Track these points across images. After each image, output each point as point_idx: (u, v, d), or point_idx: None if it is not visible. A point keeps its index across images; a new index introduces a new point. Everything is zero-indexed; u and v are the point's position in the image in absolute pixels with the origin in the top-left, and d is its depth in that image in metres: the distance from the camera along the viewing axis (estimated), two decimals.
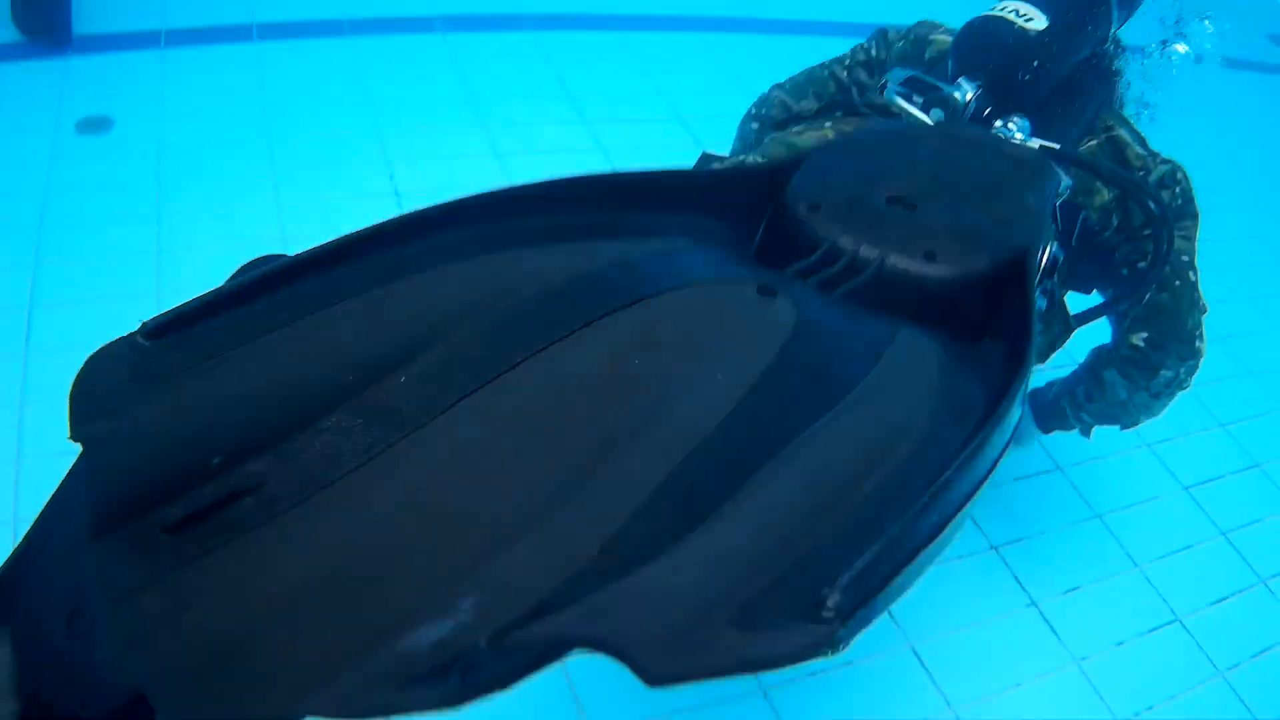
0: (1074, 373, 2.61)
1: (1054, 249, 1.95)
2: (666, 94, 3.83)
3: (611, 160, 3.38)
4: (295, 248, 1.07)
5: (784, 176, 1.23)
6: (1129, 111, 2.56)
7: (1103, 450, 2.85)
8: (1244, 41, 5.73)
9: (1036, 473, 2.76)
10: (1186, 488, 2.86)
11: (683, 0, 4.54)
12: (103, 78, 3.34)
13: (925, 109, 2.07)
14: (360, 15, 3.92)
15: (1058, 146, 2.06)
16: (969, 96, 2.06)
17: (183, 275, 2.65)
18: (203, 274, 2.56)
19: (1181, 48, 2.81)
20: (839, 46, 2.56)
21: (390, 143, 3.27)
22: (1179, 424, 2.91)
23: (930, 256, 1.23)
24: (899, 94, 2.10)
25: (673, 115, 3.72)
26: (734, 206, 1.26)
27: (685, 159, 3.33)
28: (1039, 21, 2.12)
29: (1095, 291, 2.39)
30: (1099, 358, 2.50)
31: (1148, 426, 2.61)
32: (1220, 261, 2.48)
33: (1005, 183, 1.21)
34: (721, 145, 3.42)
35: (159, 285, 2.61)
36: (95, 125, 3.11)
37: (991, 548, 2.51)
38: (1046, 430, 2.69)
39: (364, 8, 3.96)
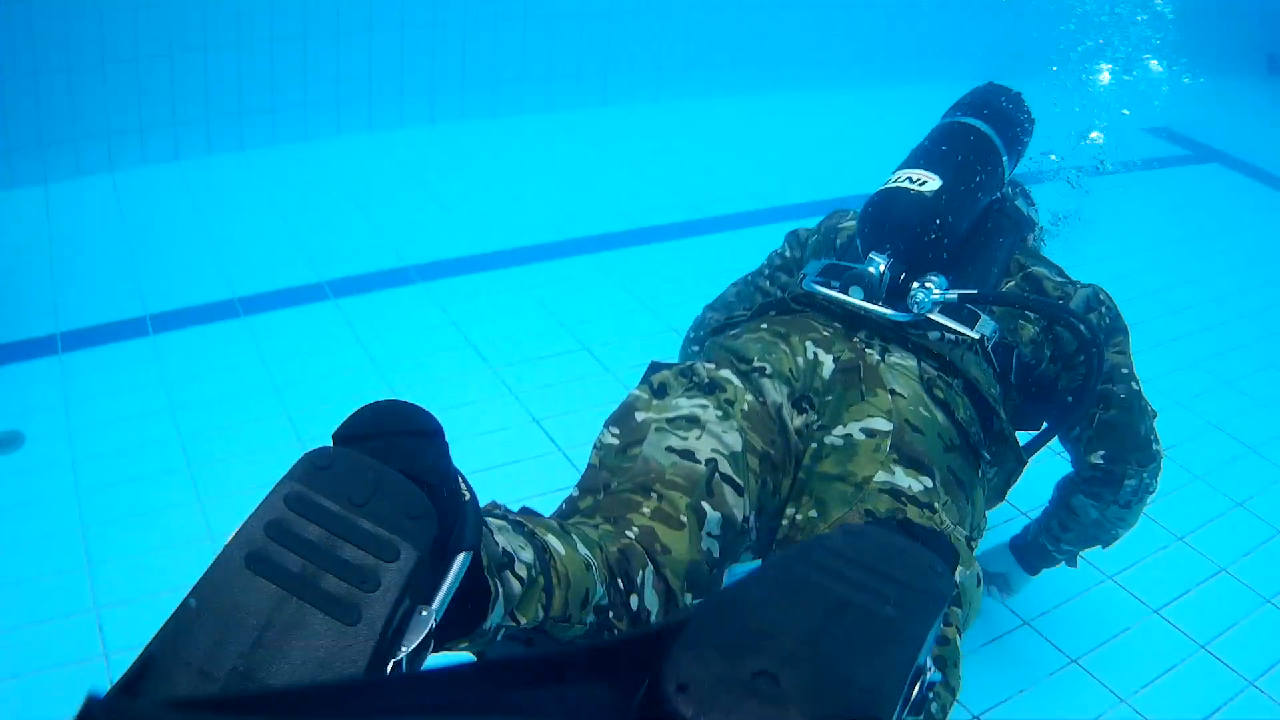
0: (1045, 509, 2.68)
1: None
2: (568, 324, 3.93)
3: (523, 403, 3.45)
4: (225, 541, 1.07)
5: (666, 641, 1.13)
6: (1045, 221, 2.75)
7: (1066, 594, 2.94)
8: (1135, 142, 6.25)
9: (1004, 632, 2.81)
10: (1156, 610, 2.94)
11: (567, 224, 4.72)
12: (4, 392, 3.32)
13: (844, 290, 2.18)
14: (250, 292, 3.98)
15: (975, 291, 2.17)
16: (881, 268, 2.17)
17: (117, 589, 2.61)
18: (139, 583, 2.56)
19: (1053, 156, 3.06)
20: (724, 241, 2.72)
21: (300, 420, 3.29)
22: (1136, 549, 3.03)
23: None
24: (817, 283, 2.23)
25: (578, 345, 3.81)
26: (618, 672, 1.16)
27: (598, 388, 3.53)
28: (934, 183, 2.25)
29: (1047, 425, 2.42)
30: (1064, 487, 2.56)
31: (1106, 557, 2.78)
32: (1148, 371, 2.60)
33: (880, 632, 1.08)
34: (631, 368, 3.55)
35: (95, 604, 2.57)
36: (4, 443, 3.08)
37: (973, 718, 2.53)
38: (1034, 571, 2.75)
39: (252, 283, 4.03)
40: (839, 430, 1.97)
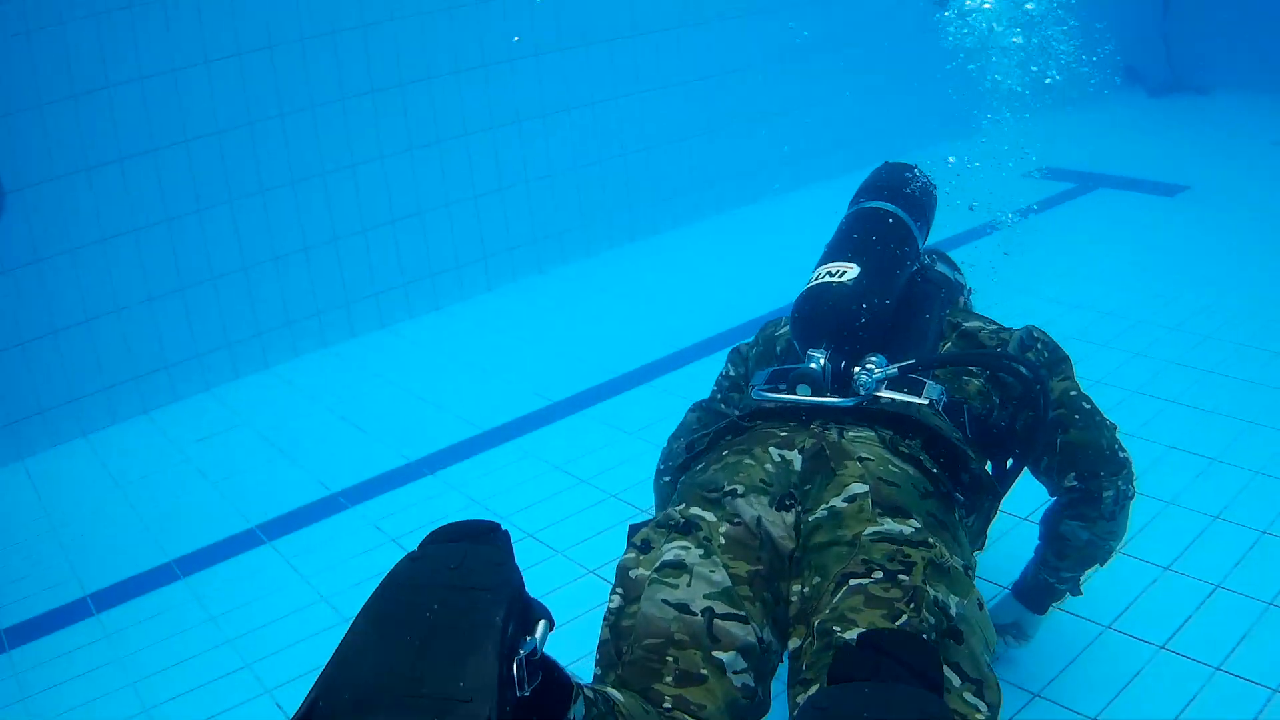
0: (1036, 547, 2.77)
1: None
2: (503, 516, 3.93)
3: (572, 559, 3.52)
4: None
5: None
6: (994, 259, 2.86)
7: (1068, 654, 2.94)
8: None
9: (1017, 710, 2.78)
10: (1162, 645, 2.94)
11: (546, 388, 4.84)
12: None
13: (791, 390, 2.32)
14: (184, 550, 3.99)
15: (914, 361, 2.34)
16: (822, 362, 2.33)
17: None
18: None
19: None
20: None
21: (263, 670, 3.27)
22: (1127, 590, 3.13)
23: None
24: (766, 390, 2.37)
25: (522, 534, 3.81)
26: None
27: (550, 573, 3.56)
28: (852, 271, 2.42)
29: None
30: (1049, 519, 2.66)
31: (1099, 606, 2.88)
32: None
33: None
34: (580, 548, 3.62)
35: None
36: None
37: None
38: (1043, 610, 2.81)
39: (184, 542, 4.03)
40: (822, 508, 2.08)
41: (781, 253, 6.08)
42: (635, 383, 4.92)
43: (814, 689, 1.78)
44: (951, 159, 4.01)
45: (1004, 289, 3.27)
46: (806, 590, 2.00)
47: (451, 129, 5.91)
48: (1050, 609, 2.85)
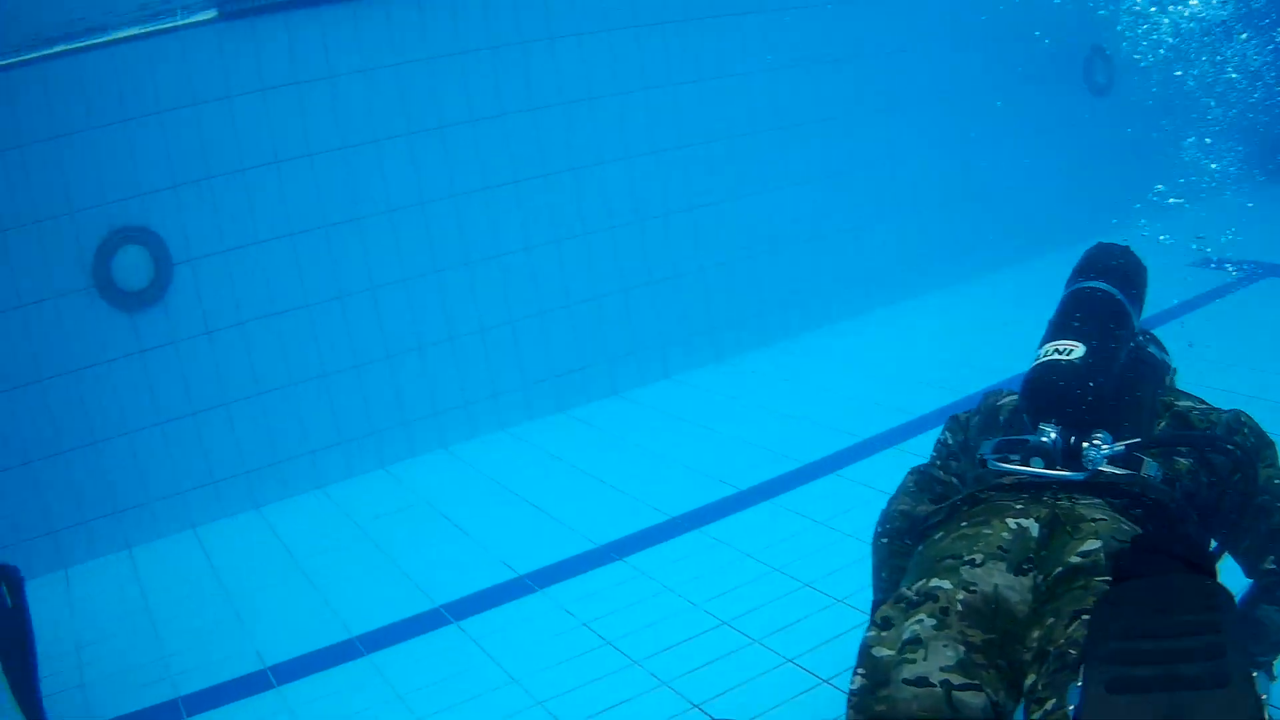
0: None
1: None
2: (625, 648, 3.59)
3: (682, 693, 3.27)
4: None
5: None
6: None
7: None
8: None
9: None
10: None
11: (660, 505, 4.56)
12: None
13: (1025, 462, 2.43)
14: (280, 658, 3.80)
15: (1139, 440, 2.43)
16: (1053, 436, 2.43)
17: None
18: None
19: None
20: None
21: None
22: None
23: None
24: (1000, 461, 2.47)
25: (655, 684, 3.40)
26: None
27: (746, 662, 3.35)
28: (1079, 349, 2.54)
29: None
30: (1245, 603, 2.57)
31: None
32: None
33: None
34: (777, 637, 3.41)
35: None
36: None
37: None
38: None
39: (279, 650, 3.86)
40: (1058, 568, 2.17)
41: (955, 343, 5.96)
42: (822, 472, 4.69)
43: (1050, 704, 1.91)
44: (1163, 237, 3.83)
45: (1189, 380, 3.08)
46: (1041, 633, 2.09)
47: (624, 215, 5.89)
48: None
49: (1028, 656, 2.09)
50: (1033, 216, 7.32)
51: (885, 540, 2.82)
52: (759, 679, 3.27)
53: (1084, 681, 1.64)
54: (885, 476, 3.63)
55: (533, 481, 4.96)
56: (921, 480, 2.92)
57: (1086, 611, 2.00)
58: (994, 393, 2.91)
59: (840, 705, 2.90)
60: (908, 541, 2.65)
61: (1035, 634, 2.11)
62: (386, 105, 5.12)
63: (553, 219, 5.66)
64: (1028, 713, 2.01)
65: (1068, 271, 2.80)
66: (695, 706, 3.19)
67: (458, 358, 5.43)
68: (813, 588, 3.74)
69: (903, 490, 2.92)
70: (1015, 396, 2.76)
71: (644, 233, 5.94)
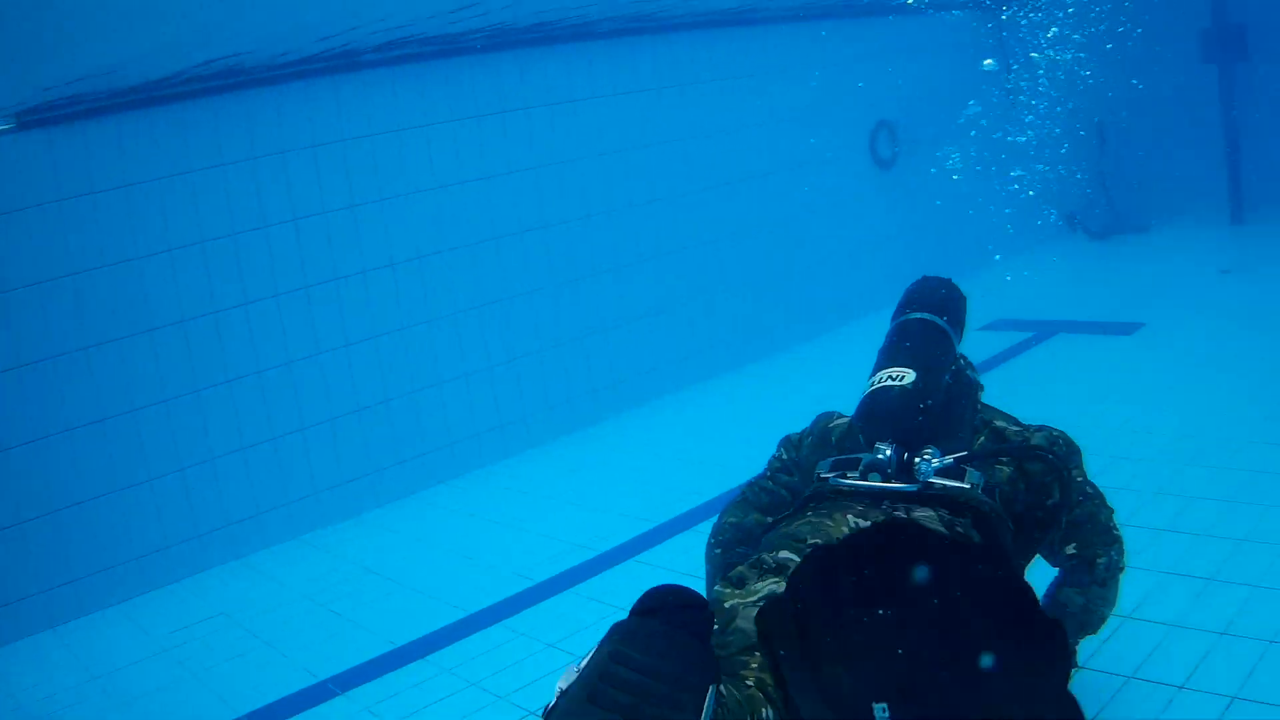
0: None
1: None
2: (502, 695, 3.84)
3: None
4: None
5: None
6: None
7: None
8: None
9: None
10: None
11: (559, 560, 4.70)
12: None
13: (864, 477, 2.66)
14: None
15: (966, 453, 2.72)
16: (888, 453, 2.67)
17: None
18: None
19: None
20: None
21: None
22: None
23: None
24: (841, 477, 2.70)
25: (524, 712, 3.71)
26: None
27: None
28: (910, 375, 2.82)
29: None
30: (1049, 591, 3.02)
31: None
32: None
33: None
34: None
35: None
36: None
37: None
38: None
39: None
40: None
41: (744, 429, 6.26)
42: (622, 558, 4.91)
43: None
44: None
45: None
46: None
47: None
48: None
49: None
50: (822, 292, 7.95)
51: (719, 551, 3.05)
52: None
53: None
54: (685, 557, 3.86)
55: (329, 587, 5.02)
56: (751, 493, 3.16)
57: None
58: (826, 414, 3.16)
59: None
60: (740, 550, 2.88)
61: None
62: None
63: (344, 324, 5.81)
64: None
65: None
66: None
67: (249, 467, 5.46)
68: None
69: (733, 503, 3.18)
70: (845, 419, 3.03)
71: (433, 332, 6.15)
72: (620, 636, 1.79)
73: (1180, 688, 3.28)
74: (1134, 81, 9.52)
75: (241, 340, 5.43)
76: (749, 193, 7.66)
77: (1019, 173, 9.16)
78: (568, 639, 4.21)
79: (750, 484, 3.19)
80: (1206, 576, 3.91)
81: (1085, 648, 3.41)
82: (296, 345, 5.62)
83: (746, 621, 2.24)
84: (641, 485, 5.79)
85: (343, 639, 4.49)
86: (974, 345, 3.25)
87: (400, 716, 3.83)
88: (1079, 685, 3.21)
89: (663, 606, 1.87)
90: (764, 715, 2.07)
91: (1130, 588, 3.66)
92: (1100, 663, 3.46)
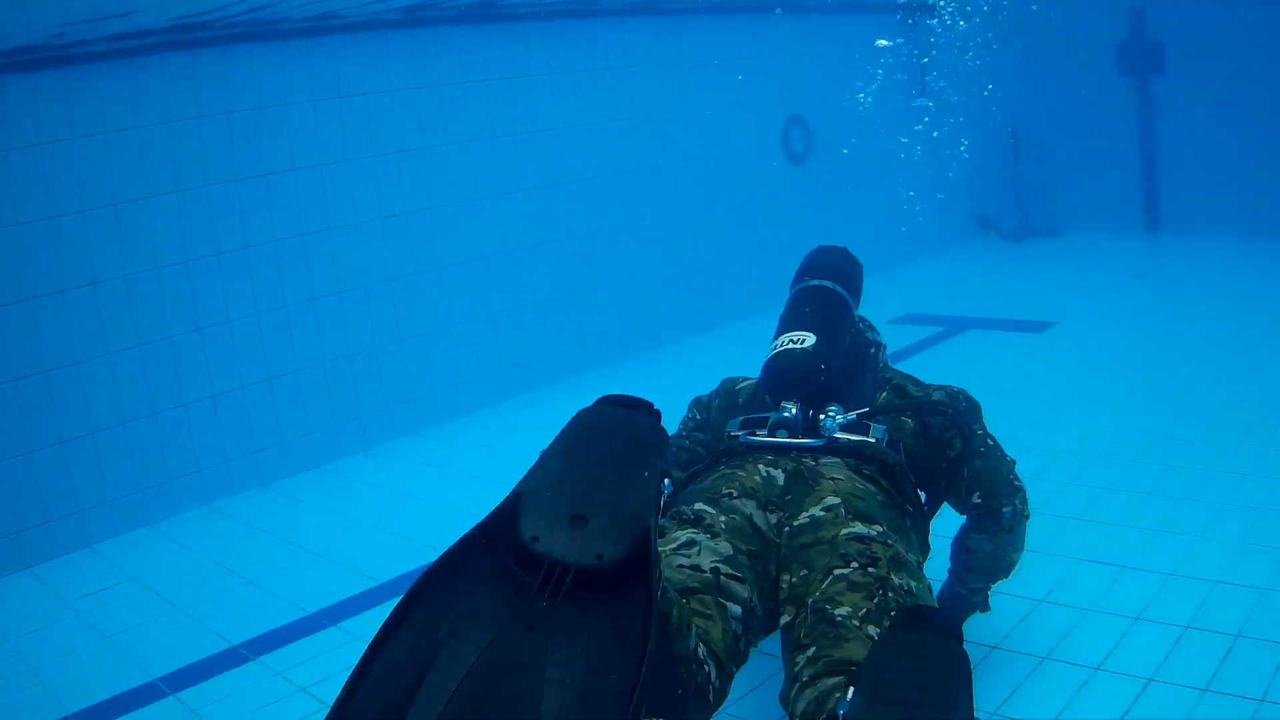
0: (949, 568, 3.33)
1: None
2: None
3: None
4: None
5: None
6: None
7: None
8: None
9: None
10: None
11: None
12: None
13: (772, 434, 2.91)
14: (80, 705, 3.89)
15: (868, 409, 2.98)
16: (794, 412, 2.90)
17: None
18: None
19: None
20: None
21: None
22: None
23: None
24: (752, 435, 2.94)
25: None
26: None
27: None
28: (810, 338, 3.01)
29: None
30: (958, 537, 3.30)
31: None
32: None
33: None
34: None
35: None
36: None
37: None
38: (960, 624, 3.04)
39: (79, 698, 3.93)
40: (803, 515, 2.64)
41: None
42: None
43: (811, 650, 2.30)
44: None
45: None
46: (795, 580, 2.52)
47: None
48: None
49: (782, 595, 2.51)
50: (729, 287, 8.14)
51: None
52: None
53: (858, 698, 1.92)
54: None
55: (241, 554, 5.11)
56: (674, 454, 3.38)
57: (837, 567, 2.44)
58: (731, 378, 3.41)
59: None
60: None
61: (787, 578, 2.54)
62: None
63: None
64: (789, 652, 2.41)
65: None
66: None
67: (159, 433, 5.51)
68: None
69: None
70: (751, 381, 3.27)
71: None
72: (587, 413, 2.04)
73: (1096, 669, 3.37)
74: (1050, 91, 9.89)
75: (153, 305, 5.47)
76: (657, 182, 7.81)
77: (928, 173, 9.44)
78: None
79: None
80: (1120, 564, 4.02)
81: (999, 629, 3.61)
82: (206, 314, 5.66)
83: (671, 571, 2.45)
84: None
85: (254, 605, 4.58)
86: (884, 338, 3.44)
87: (313, 680, 3.94)
88: (993, 666, 3.42)
89: (626, 405, 2.08)
90: (700, 650, 2.28)
91: (1043, 573, 3.95)
92: (1014, 644, 3.56)
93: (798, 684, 2.29)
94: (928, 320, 7.82)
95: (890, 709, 1.82)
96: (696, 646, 2.26)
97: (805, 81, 8.70)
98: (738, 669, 2.43)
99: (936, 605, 2.51)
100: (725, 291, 8.19)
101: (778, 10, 8.25)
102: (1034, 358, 6.92)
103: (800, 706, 2.23)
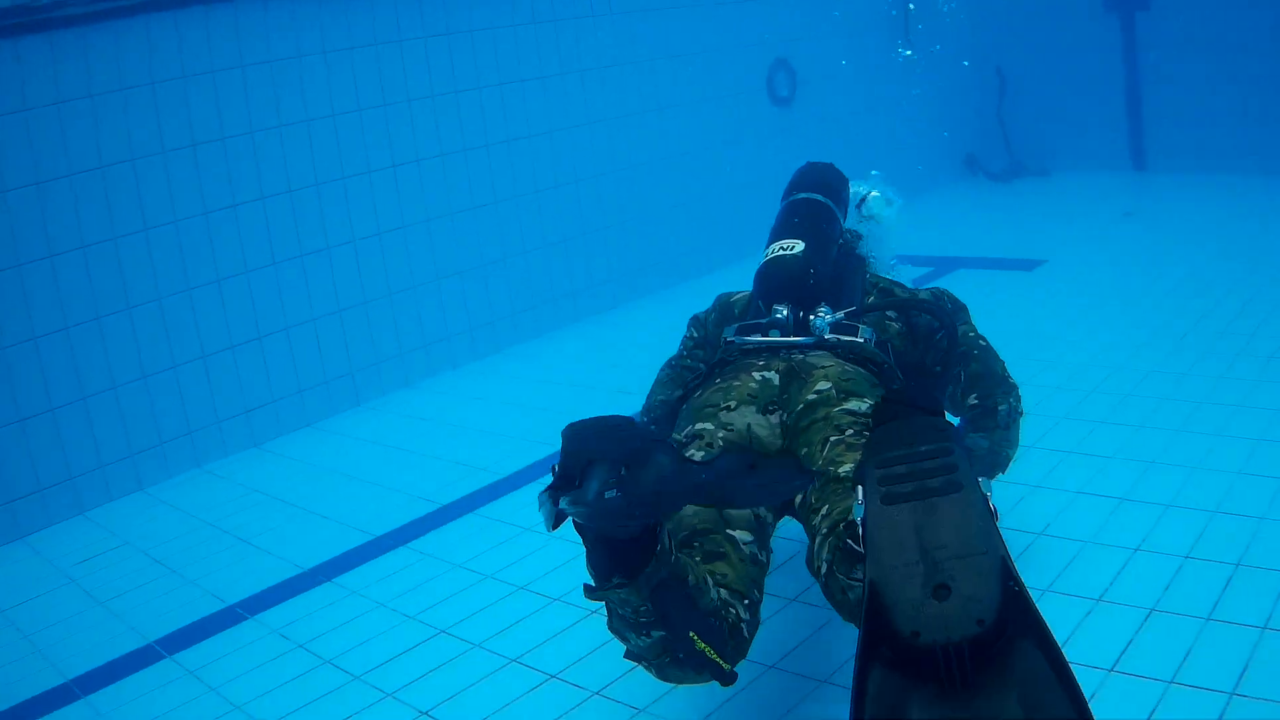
0: None
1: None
2: (345, 665, 3.90)
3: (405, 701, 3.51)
4: None
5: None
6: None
7: None
8: None
9: None
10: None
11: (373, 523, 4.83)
12: None
13: (765, 334, 3.07)
14: (78, 671, 3.87)
15: (855, 309, 3.11)
16: (785, 314, 3.06)
17: None
18: None
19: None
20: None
21: None
22: None
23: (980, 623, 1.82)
24: (746, 338, 3.09)
25: (380, 695, 3.76)
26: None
27: (470, 667, 3.49)
28: (800, 245, 3.16)
29: None
30: (956, 436, 3.34)
31: None
32: None
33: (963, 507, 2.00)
34: (498, 640, 3.64)
35: None
36: None
37: None
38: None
39: (76, 664, 3.92)
40: (800, 403, 2.77)
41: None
42: (523, 481, 5.03)
43: (824, 509, 2.46)
44: None
45: None
46: (802, 455, 2.66)
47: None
48: None
49: None
50: (714, 233, 8.09)
51: (653, 428, 3.38)
52: (484, 681, 3.49)
53: (864, 499, 2.01)
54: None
55: (233, 514, 5.10)
56: (673, 372, 3.51)
57: (834, 435, 2.59)
58: (725, 293, 3.50)
59: (572, 698, 3.25)
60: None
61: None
62: None
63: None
64: (805, 519, 2.56)
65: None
66: (423, 714, 3.37)
67: (151, 395, 5.47)
68: (529, 590, 4.03)
69: (658, 383, 3.52)
70: (744, 293, 3.36)
71: None
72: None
73: (1098, 600, 3.36)
74: (1036, 28, 9.74)
75: (143, 267, 5.41)
76: (644, 127, 7.73)
77: (913, 113, 9.33)
78: (474, 560, 4.35)
79: (669, 364, 3.54)
80: (1118, 497, 4.00)
81: None
82: (195, 273, 5.60)
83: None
84: (540, 411, 5.92)
85: (249, 564, 4.57)
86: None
87: (311, 637, 3.93)
88: None
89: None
90: (717, 595, 2.34)
91: (1041, 507, 3.98)
92: None
93: (818, 537, 2.44)
94: (915, 261, 7.74)
95: (900, 484, 1.98)
96: (718, 594, 2.34)
97: (790, 24, 8.59)
98: (760, 595, 2.53)
99: None
100: (713, 239, 8.12)
101: None
102: (1025, 296, 6.89)
103: (825, 554, 2.36)
